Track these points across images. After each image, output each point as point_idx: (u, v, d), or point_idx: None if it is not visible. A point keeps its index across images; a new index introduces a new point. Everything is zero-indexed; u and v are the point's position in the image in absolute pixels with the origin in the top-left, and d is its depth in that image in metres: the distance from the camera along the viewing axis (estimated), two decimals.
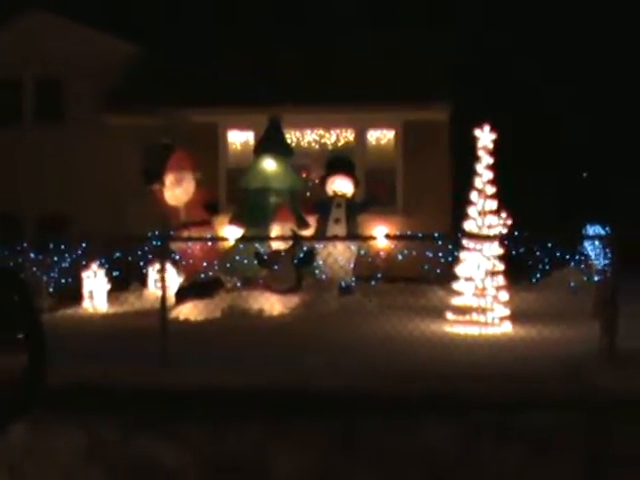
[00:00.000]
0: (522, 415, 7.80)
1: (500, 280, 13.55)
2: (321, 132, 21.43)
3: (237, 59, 22.33)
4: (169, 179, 16.31)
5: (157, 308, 15.67)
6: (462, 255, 13.70)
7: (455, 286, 13.79)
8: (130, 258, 15.66)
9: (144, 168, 17.42)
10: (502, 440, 7.45)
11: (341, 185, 17.41)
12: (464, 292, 13.61)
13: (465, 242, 13.59)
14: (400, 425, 7.63)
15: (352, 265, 17.00)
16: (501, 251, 13.51)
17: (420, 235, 15.87)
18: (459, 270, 13.73)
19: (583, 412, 8.09)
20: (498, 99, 28.11)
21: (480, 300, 13.33)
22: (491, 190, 13.75)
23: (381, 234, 17.06)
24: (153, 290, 17.29)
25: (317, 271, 16.69)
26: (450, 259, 14.53)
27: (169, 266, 16.46)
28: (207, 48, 22.92)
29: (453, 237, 15.40)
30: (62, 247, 15.13)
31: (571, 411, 8.14)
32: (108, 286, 16.75)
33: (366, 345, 11.60)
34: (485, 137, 13.85)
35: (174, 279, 16.25)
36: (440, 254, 15.39)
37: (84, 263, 16.26)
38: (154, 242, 12.80)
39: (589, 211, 19.73)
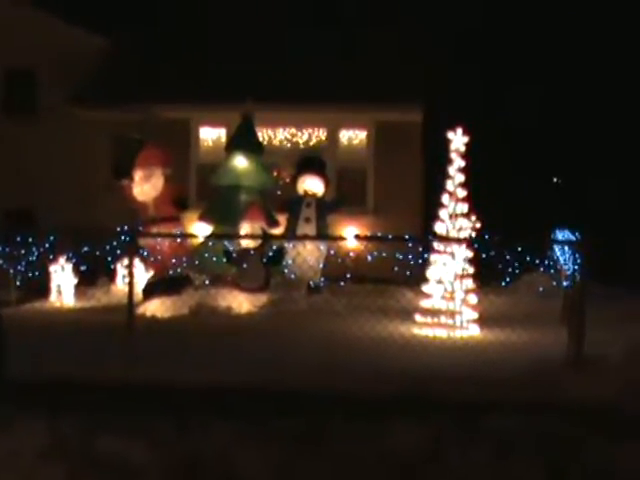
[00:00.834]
0: (488, 418, 7.77)
1: (469, 283, 13.55)
2: (293, 131, 21.37)
3: (210, 55, 22.25)
4: (138, 175, 16.24)
5: (124, 304, 15.74)
6: (432, 257, 13.69)
7: (424, 288, 13.78)
8: (98, 253, 15.54)
9: (114, 163, 17.29)
10: (467, 443, 7.43)
11: (312, 184, 17.40)
12: (433, 294, 13.60)
13: (435, 244, 13.58)
14: (366, 426, 7.59)
15: (321, 265, 16.97)
16: (471, 254, 13.51)
17: (390, 237, 15.85)
18: (429, 272, 13.72)
19: (548, 416, 8.09)
20: (471, 101, 28.14)
21: (449, 303, 13.33)
22: (462, 193, 13.74)
23: (351, 234, 17.07)
24: (121, 286, 17.18)
25: (286, 270, 16.64)
26: (420, 261, 14.52)
27: (137, 262, 16.41)
28: (180, 44, 22.77)
29: (423, 239, 15.40)
30: (30, 240, 15.00)
31: (536, 415, 8.13)
32: (75, 280, 16.62)
33: (334, 345, 11.57)
34: (457, 140, 13.84)
35: (142, 275, 16.16)
36: (410, 256, 15.39)
37: (52, 257, 16.13)
38: (122, 237, 12.68)
39: (559, 216, 19.81)
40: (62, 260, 16.43)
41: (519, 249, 14.02)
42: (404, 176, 20.76)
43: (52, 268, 16.47)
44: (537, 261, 16.35)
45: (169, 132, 20.13)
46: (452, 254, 13.37)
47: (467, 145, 13.97)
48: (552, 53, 31.59)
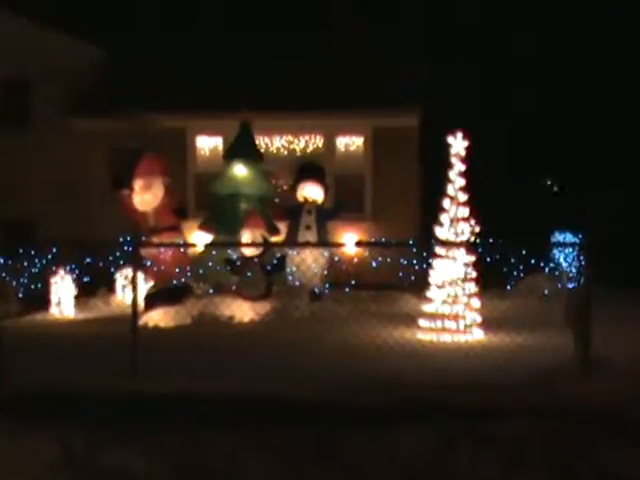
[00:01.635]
0: (496, 423, 7.73)
1: (472, 287, 13.51)
2: (290, 138, 21.32)
3: (206, 64, 22.22)
4: (138, 184, 16.18)
5: (126, 314, 15.66)
6: (435, 262, 13.64)
7: (428, 293, 13.74)
8: (101, 264, 15.47)
9: (114, 173, 17.22)
10: (476, 448, 7.40)
11: (311, 191, 17.38)
12: (436, 299, 13.56)
13: (437, 249, 13.54)
14: (375, 433, 7.55)
15: (325, 271, 16.96)
16: (473, 258, 13.47)
17: (394, 242, 15.80)
18: (432, 277, 13.68)
19: (555, 421, 8.06)
20: (469, 104, 28.10)
21: (453, 307, 13.29)
22: (463, 197, 13.71)
23: (351, 241, 17.04)
24: (120, 296, 17.15)
25: (289, 277, 16.61)
26: (424, 266, 14.46)
27: (138, 272, 16.33)
28: (176, 53, 22.75)
29: (427, 244, 15.32)
30: (31, 252, 14.95)
31: (544, 420, 8.10)
32: (75, 292, 16.56)
33: (340, 352, 11.54)
34: (458, 144, 13.81)
35: (142, 285, 16.10)
36: (414, 261, 15.33)
37: (53, 268, 16.07)
38: (126, 248, 12.62)
39: (560, 218, 19.80)
40: (62, 272, 16.36)
41: (523, 252, 13.93)
42: (402, 181, 20.71)
43: (52, 280, 16.41)
44: (540, 263, 16.31)
45: (166, 141, 20.11)
46: (454, 258, 13.33)
47: (466, 148, 13.92)
48: (552, 55, 31.50)
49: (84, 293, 17.08)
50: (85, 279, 16.61)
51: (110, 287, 17.63)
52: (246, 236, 16.04)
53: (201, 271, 16.56)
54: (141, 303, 15.59)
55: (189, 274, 16.32)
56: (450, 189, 13.72)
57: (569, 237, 14.26)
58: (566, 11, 31.33)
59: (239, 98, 20.45)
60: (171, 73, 22.07)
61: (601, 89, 30.57)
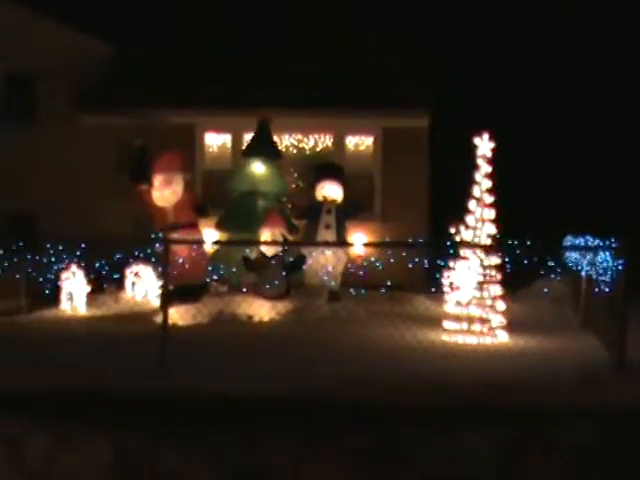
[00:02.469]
0: (561, 427, 7.64)
1: (497, 289, 13.40)
2: (299, 137, 21.20)
3: (216, 61, 22.08)
4: (158, 180, 16.05)
5: (137, 312, 15.53)
6: (457, 264, 13.50)
7: (448, 296, 13.60)
8: (119, 257, 15.28)
9: (131, 168, 17.02)
10: (542, 452, 7.33)
11: (331, 190, 17.26)
12: (455, 301, 13.43)
13: (461, 251, 13.41)
14: (440, 434, 7.43)
15: (342, 271, 16.87)
16: (498, 260, 13.36)
17: (410, 241, 15.71)
18: (453, 278, 13.55)
19: (606, 424, 7.99)
20: (478, 105, 27.93)
21: (477, 309, 13.18)
22: (489, 199, 13.61)
23: (361, 241, 16.94)
24: (130, 293, 16.92)
25: (306, 276, 16.51)
26: (441, 266, 14.32)
27: (149, 269, 16.18)
28: (185, 49, 22.62)
29: (442, 244, 15.18)
30: (48, 247, 14.77)
31: (591, 422, 8.03)
32: (88, 288, 16.32)
33: (366, 353, 11.42)
34: (484, 145, 13.71)
35: (153, 282, 15.96)
36: (425, 261, 15.21)
37: (66, 264, 15.85)
38: (156, 245, 12.46)
39: (574, 221, 19.66)
40: (74, 267, 16.12)
41: (544, 255, 13.79)
42: (411, 181, 20.64)
43: (64, 275, 16.17)
44: (552, 266, 16.20)
45: (174, 138, 19.91)
46: (480, 258, 13.21)
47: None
48: (562, 55, 31.35)
49: (92, 289, 16.83)
50: (94, 275, 16.36)
51: (119, 284, 17.31)
52: (266, 235, 15.90)
53: (221, 270, 16.38)
54: (155, 300, 15.47)
55: (212, 274, 16.18)
56: (476, 190, 13.60)
57: (587, 241, 14.14)
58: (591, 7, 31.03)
59: (248, 95, 20.34)
60: (179, 69, 21.92)
61: (624, 87, 30.35)
